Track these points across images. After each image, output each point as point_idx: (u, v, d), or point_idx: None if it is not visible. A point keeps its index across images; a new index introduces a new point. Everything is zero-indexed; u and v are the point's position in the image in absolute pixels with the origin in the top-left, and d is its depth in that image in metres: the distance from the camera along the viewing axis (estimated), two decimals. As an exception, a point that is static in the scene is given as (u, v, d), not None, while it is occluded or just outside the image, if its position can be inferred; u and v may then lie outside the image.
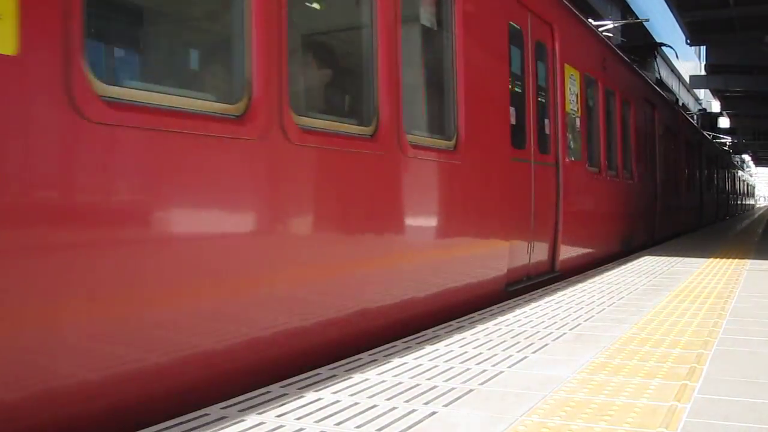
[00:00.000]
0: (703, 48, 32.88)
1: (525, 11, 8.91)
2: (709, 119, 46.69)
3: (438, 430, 3.31)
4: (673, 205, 20.43)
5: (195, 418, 3.44)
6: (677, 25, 26.59)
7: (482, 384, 4.08)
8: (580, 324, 5.92)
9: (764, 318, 6.17)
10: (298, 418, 3.45)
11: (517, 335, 5.48)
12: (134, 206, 3.68)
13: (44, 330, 3.19)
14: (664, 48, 30.83)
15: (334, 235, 5.27)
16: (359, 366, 4.51)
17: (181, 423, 3.38)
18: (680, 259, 12.00)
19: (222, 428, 3.30)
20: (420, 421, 3.43)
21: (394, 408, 3.63)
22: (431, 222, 6.57)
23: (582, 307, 6.75)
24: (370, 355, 4.83)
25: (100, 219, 3.48)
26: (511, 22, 8.44)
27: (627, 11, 31.45)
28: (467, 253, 7.22)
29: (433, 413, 3.55)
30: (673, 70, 46.97)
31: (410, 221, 6.19)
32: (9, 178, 3.03)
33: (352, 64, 6.28)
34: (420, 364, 4.54)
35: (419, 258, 6.30)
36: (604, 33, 15.03)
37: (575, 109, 10.75)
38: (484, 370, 4.39)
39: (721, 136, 49.74)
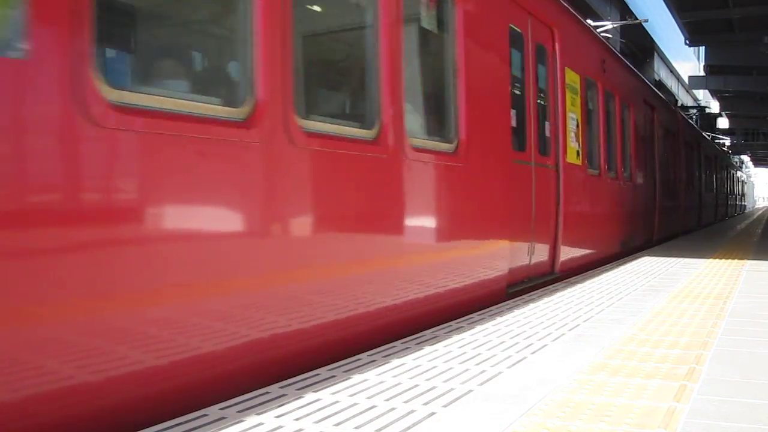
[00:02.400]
0: (702, 48, 32.94)
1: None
2: (708, 120, 46.74)
3: (437, 430, 3.30)
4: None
5: (194, 419, 3.44)
6: (676, 26, 26.61)
7: (481, 385, 4.08)
8: (579, 324, 5.92)
9: (763, 318, 6.18)
10: (297, 419, 3.45)
11: (516, 336, 5.48)
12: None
13: None
14: (663, 48, 30.94)
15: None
16: (358, 366, 4.51)
17: (180, 423, 3.38)
18: (679, 259, 12.00)
19: (221, 429, 3.30)
20: (419, 421, 3.43)
21: (393, 408, 3.63)
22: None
23: (581, 308, 6.75)
24: (369, 355, 4.83)
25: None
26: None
27: (626, 12, 31.48)
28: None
29: (432, 414, 3.55)
30: (672, 71, 47.05)
31: None
32: None
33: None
34: (419, 365, 4.54)
35: None
36: (603, 34, 15.05)
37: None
38: (483, 371, 4.39)
39: (720, 136, 49.78)
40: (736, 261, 11.67)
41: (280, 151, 4.57)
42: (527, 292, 8.16)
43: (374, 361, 4.66)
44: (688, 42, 28.69)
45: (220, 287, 4.19)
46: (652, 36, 39.45)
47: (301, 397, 3.81)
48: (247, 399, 3.78)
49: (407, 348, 5.04)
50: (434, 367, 4.50)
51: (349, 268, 5.36)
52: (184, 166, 3.96)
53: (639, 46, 34.44)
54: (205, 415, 3.51)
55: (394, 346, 5.10)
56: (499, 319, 6.15)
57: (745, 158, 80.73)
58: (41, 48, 3.18)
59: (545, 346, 5.12)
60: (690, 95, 54.76)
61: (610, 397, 3.83)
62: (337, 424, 3.38)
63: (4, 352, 3.09)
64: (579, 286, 8.45)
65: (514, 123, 8.33)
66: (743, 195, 55.06)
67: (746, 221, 34.50)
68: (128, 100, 3.65)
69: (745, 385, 4.05)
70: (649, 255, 13.00)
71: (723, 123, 49.33)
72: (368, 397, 3.83)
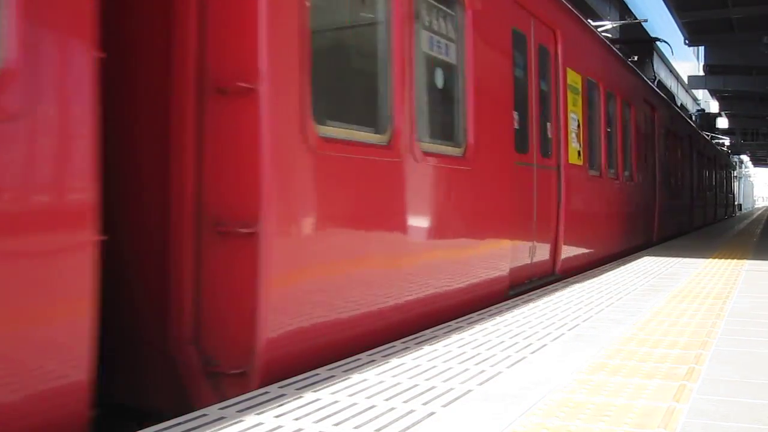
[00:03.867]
0: (701, 48, 32.91)
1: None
2: (707, 120, 46.72)
3: (437, 430, 3.30)
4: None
5: (194, 419, 3.44)
6: (676, 26, 26.62)
7: (481, 384, 4.08)
8: (578, 324, 5.92)
9: (762, 318, 6.18)
10: (297, 419, 3.45)
11: (516, 336, 5.47)
12: None
13: None
14: (661, 46, 30.74)
15: None
16: (357, 366, 4.51)
17: (180, 423, 3.37)
18: (679, 259, 12.00)
19: (221, 428, 3.30)
20: (419, 421, 3.43)
21: (392, 408, 3.63)
22: None
23: (581, 308, 6.75)
24: (368, 355, 4.82)
25: None
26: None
27: (625, 12, 31.44)
28: None
29: (432, 413, 3.55)
30: (671, 71, 47.00)
31: None
32: None
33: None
34: (418, 365, 4.54)
35: None
36: (603, 34, 15.09)
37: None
38: (483, 371, 4.38)
39: (720, 136, 49.79)
40: (735, 261, 11.67)
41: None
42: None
43: (373, 361, 4.66)
44: (687, 42, 28.66)
45: None
46: (651, 36, 39.41)
47: (300, 397, 3.81)
48: (247, 399, 3.78)
49: (407, 348, 5.04)
50: (433, 366, 4.50)
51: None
52: None
53: (638, 45, 34.42)
54: (204, 415, 3.51)
55: (393, 346, 5.10)
56: (498, 319, 6.15)
57: (745, 158, 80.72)
58: None
59: (545, 345, 5.12)
60: (689, 95, 54.75)
61: (610, 396, 3.83)
62: (337, 424, 3.37)
63: None
64: (578, 286, 8.45)
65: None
66: (728, 193, 43.80)
67: (745, 221, 34.47)
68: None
69: (745, 385, 4.05)
70: (648, 255, 12.99)
71: (722, 123, 49.30)
72: (367, 397, 3.83)
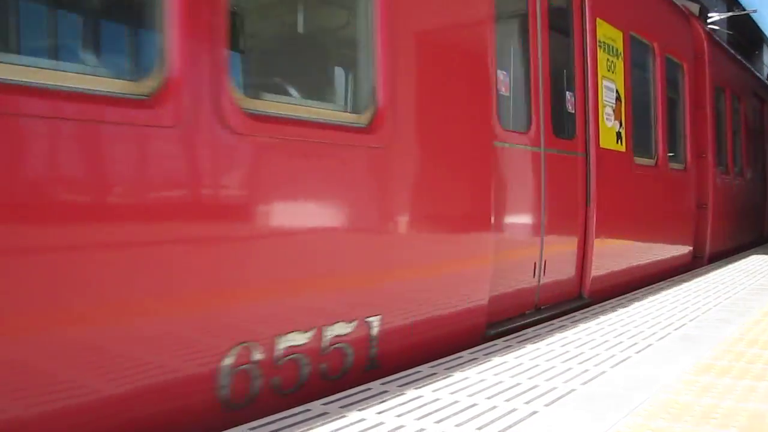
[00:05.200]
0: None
1: None
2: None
3: (538, 429, 3.29)
4: None
5: (297, 413, 3.52)
6: (787, 16, 25.75)
7: (584, 384, 4.04)
8: (684, 324, 5.79)
9: None
10: (398, 415, 3.49)
11: (620, 335, 5.40)
12: None
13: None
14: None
15: None
16: (459, 364, 4.52)
17: (285, 417, 3.46)
18: (791, 258, 11.59)
19: (324, 423, 3.36)
20: (520, 420, 3.42)
21: (494, 407, 3.63)
22: None
23: (687, 307, 6.60)
24: (470, 353, 4.83)
25: None
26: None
27: (733, 3, 30.52)
28: None
29: (534, 413, 3.54)
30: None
31: None
32: None
33: None
34: (520, 363, 4.53)
35: None
36: (709, 26, 14.97)
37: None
38: (587, 370, 4.34)
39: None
40: None
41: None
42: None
43: (475, 359, 4.67)
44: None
45: None
46: (760, 27, 38.15)
47: (402, 394, 3.85)
48: (349, 395, 3.84)
49: (509, 346, 5.03)
50: (536, 365, 4.48)
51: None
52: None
53: (747, 37, 33.38)
54: (308, 410, 3.58)
55: (495, 344, 5.10)
56: (602, 318, 6.07)
57: None
58: None
59: (650, 345, 5.03)
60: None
61: (717, 399, 3.74)
62: (438, 422, 3.40)
63: None
64: (684, 285, 8.26)
65: None
66: None
67: None
68: None
69: None
70: (757, 254, 12.59)
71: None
72: (469, 395, 3.84)
